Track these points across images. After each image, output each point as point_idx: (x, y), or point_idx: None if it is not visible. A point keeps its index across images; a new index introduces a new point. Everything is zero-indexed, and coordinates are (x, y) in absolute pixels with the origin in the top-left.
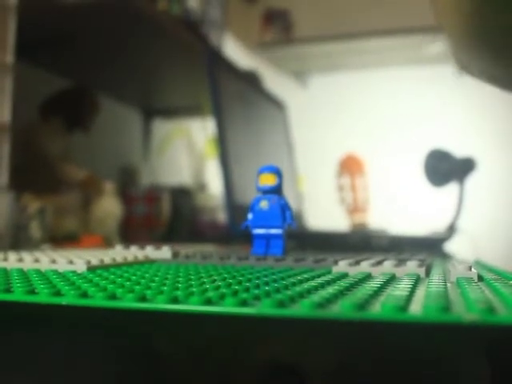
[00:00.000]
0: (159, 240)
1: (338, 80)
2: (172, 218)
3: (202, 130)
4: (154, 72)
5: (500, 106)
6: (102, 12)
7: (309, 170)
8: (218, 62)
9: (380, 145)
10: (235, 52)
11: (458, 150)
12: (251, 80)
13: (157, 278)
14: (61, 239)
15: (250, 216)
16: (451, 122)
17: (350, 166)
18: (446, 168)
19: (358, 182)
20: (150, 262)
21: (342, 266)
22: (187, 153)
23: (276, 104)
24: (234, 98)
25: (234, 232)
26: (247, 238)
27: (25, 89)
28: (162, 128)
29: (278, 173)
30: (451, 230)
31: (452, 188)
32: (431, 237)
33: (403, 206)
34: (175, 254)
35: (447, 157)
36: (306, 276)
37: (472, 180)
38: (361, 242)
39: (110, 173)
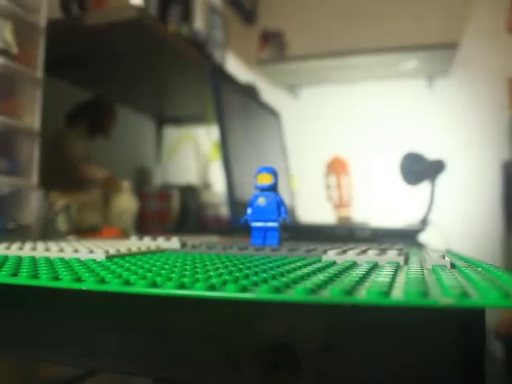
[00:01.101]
0: (169, 232)
1: (326, 92)
2: (181, 212)
3: (207, 136)
4: (165, 85)
5: (468, 111)
6: (123, 32)
7: (300, 170)
8: (220, 77)
9: (362, 148)
10: (236, 68)
11: (431, 153)
12: (250, 92)
13: (167, 266)
14: (84, 231)
15: (249, 211)
16: (425, 128)
17: (336, 167)
18: (419, 169)
19: (343, 181)
20: (161, 251)
21: (331, 255)
22: (194, 156)
23: (272, 113)
24: (235, 108)
25: (235, 225)
26: (247, 230)
27: (53, 100)
28: (172, 134)
29: (274, 173)
30: (424, 222)
31: (425, 186)
32: (407, 229)
33: (383, 201)
34: (183, 245)
35: (421, 159)
36: (298, 264)
37: (443, 178)
38: (346, 234)
39: (127, 173)
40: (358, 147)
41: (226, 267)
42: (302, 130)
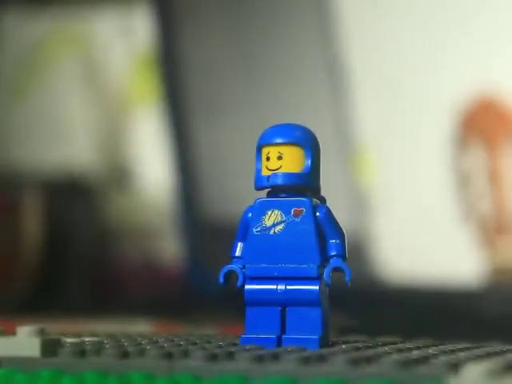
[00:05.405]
0: (14, 310)
1: None
2: (48, 251)
3: (121, 35)
4: None
5: None
6: None
7: (386, 135)
8: None
9: None
10: None
11: None
12: None
13: None
14: None
15: (239, 248)
16: None
17: (484, 126)
18: None
19: (507, 164)
20: None
21: (473, 374)
22: (87, 92)
23: None
24: None
25: (200, 286)
26: (232, 300)
27: None
28: (23, 27)
29: (308, 142)
30: None
31: None
32: None
33: None
34: (49, 346)
35: None
36: None
37: None
38: None
39: None
40: None
41: None
42: (390, 31)
